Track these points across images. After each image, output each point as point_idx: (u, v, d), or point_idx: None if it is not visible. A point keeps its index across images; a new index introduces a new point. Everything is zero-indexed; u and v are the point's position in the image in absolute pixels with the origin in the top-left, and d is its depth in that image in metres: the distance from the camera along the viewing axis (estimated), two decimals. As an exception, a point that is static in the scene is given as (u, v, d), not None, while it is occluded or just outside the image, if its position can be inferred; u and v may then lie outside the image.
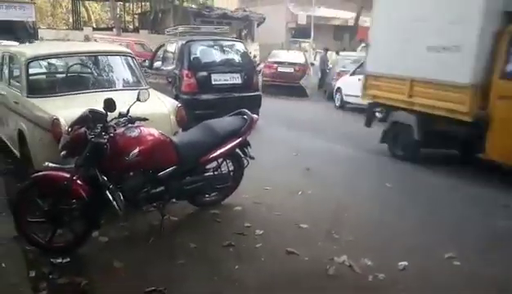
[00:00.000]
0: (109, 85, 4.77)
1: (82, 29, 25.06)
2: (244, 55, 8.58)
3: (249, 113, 4.03)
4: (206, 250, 3.32)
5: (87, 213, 3.24)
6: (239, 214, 4.03)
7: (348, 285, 2.88)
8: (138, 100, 3.38)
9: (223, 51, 8.37)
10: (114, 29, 24.22)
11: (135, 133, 3.31)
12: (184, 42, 7.99)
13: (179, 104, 4.52)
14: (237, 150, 3.99)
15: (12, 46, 6.50)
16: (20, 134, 4.28)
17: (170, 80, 7.82)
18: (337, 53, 17.62)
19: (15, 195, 3.35)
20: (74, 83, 4.69)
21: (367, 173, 5.55)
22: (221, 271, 3.02)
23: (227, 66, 7.96)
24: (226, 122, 3.96)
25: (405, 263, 3.09)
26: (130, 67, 4.91)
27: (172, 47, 8.36)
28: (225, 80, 7.69)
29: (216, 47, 8.36)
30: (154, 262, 3.14)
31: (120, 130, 3.28)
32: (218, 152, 3.75)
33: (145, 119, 3.44)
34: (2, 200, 3.94)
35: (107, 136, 3.17)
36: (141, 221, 3.75)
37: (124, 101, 3.38)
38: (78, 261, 3.15)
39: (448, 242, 3.48)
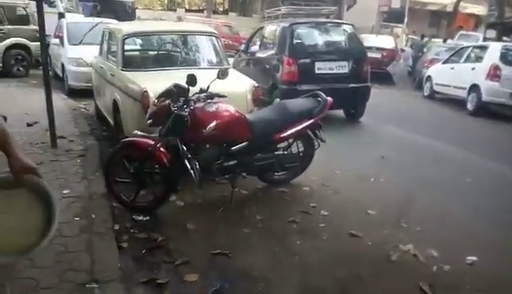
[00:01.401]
0: (194, 63, 5.06)
1: (175, 10, 26.40)
2: (354, 39, 7.61)
3: (323, 95, 4.04)
4: (271, 223, 3.47)
5: (167, 178, 3.54)
6: (306, 194, 4.11)
7: (410, 272, 2.84)
8: (218, 77, 3.57)
9: (330, 36, 7.60)
10: (205, 11, 25.15)
11: (213, 108, 3.53)
12: (287, 24, 7.27)
13: (256, 84, 4.65)
14: (309, 132, 4.04)
15: (112, 23, 7.10)
16: (115, 104, 4.73)
17: (268, 66, 7.23)
18: (422, 38, 16.48)
19: (107, 157, 3.77)
20: (162, 60, 5.07)
21: (445, 165, 5.27)
22: (283, 244, 3.15)
23: (334, 53, 7.14)
24: (300, 103, 4.02)
25: (474, 258, 2.96)
26: (214, 47, 5.15)
27: (273, 30, 7.71)
28: (330, 69, 6.89)
29: (322, 31, 7.56)
30: (222, 229, 3.36)
31: (200, 104, 3.52)
32: (290, 132, 3.84)
33: (223, 96, 3.63)
34: (96, 162, 4.42)
35: (188, 110, 3.42)
36: (214, 191, 3.98)
37: (205, 78, 3.60)
38: (156, 220, 3.48)
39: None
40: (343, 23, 8.34)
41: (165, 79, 4.16)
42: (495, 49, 9.34)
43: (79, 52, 7.97)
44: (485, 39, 16.08)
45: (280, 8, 11.79)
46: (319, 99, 3.98)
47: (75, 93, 8.06)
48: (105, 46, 5.61)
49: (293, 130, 3.82)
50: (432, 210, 3.85)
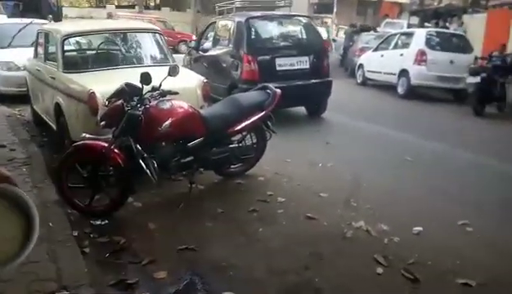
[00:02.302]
0: (138, 61, 4.99)
1: (104, 7, 25.38)
2: (313, 33, 7.28)
3: (273, 87, 4.19)
4: (232, 214, 3.57)
5: (123, 180, 3.51)
6: (262, 183, 4.26)
7: (364, 246, 3.08)
8: (169, 74, 3.58)
9: (288, 30, 7.19)
10: (137, 7, 24.43)
11: (167, 106, 3.55)
12: (243, 19, 6.71)
13: (205, 80, 4.71)
14: (261, 124, 4.18)
15: (45, 24, 6.76)
16: (57, 107, 4.56)
17: (224, 65, 6.74)
18: (352, 27, 16.97)
19: (58, 163, 3.65)
20: (106, 59, 4.95)
21: (385, 147, 5.68)
22: (245, 232, 3.28)
23: (294, 48, 6.76)
24: (251, 96, 4.15)
25: (419, 228, 3.29)
26: (158, 44, 5.10)
27: (227, 26, 7.15)
28: (291, 65, 6.50)
29: (280, 25, 7.14)
30: (185, 225, 3.40)
31: (154, 103, 3.52)
32: (243, 124, 3.96)
33: (175, 93, 3.65)
34: (42, 169, 4.25)
35: (142, 108, 3.41)
36: (171, 189, 4.00)
37: (154, 76, 3.59)
38: (116, 223, 3.45)
39: (463, 211, 3.63)
40: (300, 15, 7.95)
41: (111, 79, 4.13)
42: (420, 35, 10.06)
43: (9, 56, 7.49)
44: (409, 26, 17.19)
45: (233, 1, 11.19)
46: (268, 91, 4.13)
47: (7, 99, 7.57)
48: (41, 48, 5.35)
49: (246, 123, 3.94)
50: (378, 188, 4.16)
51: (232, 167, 4.29)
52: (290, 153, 5.03)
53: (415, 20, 18.32)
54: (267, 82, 5.66)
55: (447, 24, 14.38)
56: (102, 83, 4.09)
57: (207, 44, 7.72)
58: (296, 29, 7.18)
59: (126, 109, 3.38)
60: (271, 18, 7.29)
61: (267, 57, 6.40)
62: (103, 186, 3.53)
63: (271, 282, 2.67)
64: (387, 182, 4.34)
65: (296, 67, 6.55)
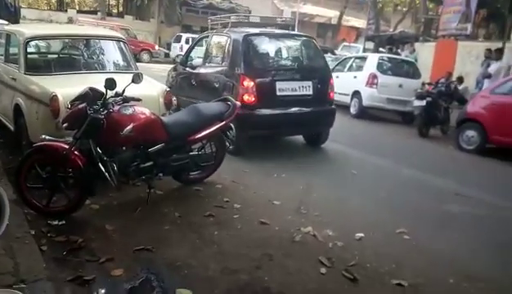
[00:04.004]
0: (102, 67, 5.06)
1: (66, 11, 24.82)
2: (317, 55, 6.54)
3: (233, 99, 4.42)
4: (189, 218, 3.72)
5: (82, 182, 3.58)
6: (219, 190, 4.44)
7: (311, 249, 3.34)
8: (133, 81, 3.71)
9: (290, 50, 6.47)
10: (99, 13, 24.09)
11: (129, 111, 3.67)
12: (240, 35, 5.95)
13: (167, 89, 4.86)
14: (221, 133, 4.37)
15: (4, 24, 6.66)
16: (17, 108, 4.55)
17: (217, 85, 5.95)
18: None
19: (17, 162, 3.67)
20: (69, 64, 5.01)
21: (334, 161, 6.05)
22: (202, 236, 3.44)
23: (296, 71, 6.06)
24: (212, 106, 4.35)
25: (361, 234, 3.60)
26: (122, 51, 5.22)
27: (222, 42, 6.37)
28: (293, 90, 5.79)
29: (282, 45, 6.37)
30: (142, 227, 3.51)
31: (116, 108, 3.63)
32: (203, 133, 4.13)
33: (138, 99, 3.79)
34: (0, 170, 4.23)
35: (104, 113, 3.52)
36: (130, 193, 4.08)
37: (117, 83, 3.71)
38: (73, 224, 3.50)
39: (402, 220, 3.98)
40: (304, 35, 7.14)
41: (73, 83, 4.21)
42: (372, 59, 10.70)
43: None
44: (364, 50, 18.13)
45: (228, 16, 10.24)
46: (229, 103, 4.35)
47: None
48: (1, 49, 5.31)
49: (206, 131, 4.12)
50: (326, 197, 4.48)
51: (191, 173, 4.44)
52: (248, 164, 5.27)
53: (370, 44, 19.34)
54: (267, 107, 5.57)
55: (399, 51, 15.29)
56: (64, 87, 4.15)
57: (196, 60, 7.02)
58: (298, 50, 6.50)
59: (88, 112, 3.47)
60: (271, 36, 6.49)
61: (267, 80, 5.69)
62: (62, 187, 3.58)
63: (224, 280, 2.84)
64: (334, 192, 4.67)
65: (298, 92, 5.84)
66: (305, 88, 5.88)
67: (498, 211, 4.57)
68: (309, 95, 5.91)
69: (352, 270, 3.03)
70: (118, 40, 5.28)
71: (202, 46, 7.26)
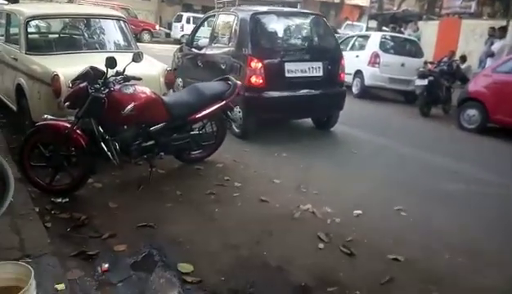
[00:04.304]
0: (102, 46, 5.07)
1: (65, -10, 24.47)
2: (328, 35, 6.28)
3: (233, 79, 4.43)
4: (190, 196, 3.79)
5: (85, 160, 3.64)
6: (220, 169, 4.50)
7: (310, 225, 3.41)
8: (134, 60, 3.72)
9: (300, 30, 6.17)
10: (99, -8, 23.74)
11: (130, 90, 3.69)
12: (247, 14, 5.68)
13: (168, 68, 4.87)
14: (222, 113, 4.40)
15: (4, 4, 6.63)
16: (19, 88, 4.58)
17: (224, 67, 5.75)
18: None
19: (21, 141, 3.72)
20: (69, 43, 5.02)
21: (335, 140, 6.08)
22: (203, 212, 3.51)
23: (306, 52, 5.80)
24: (213, 86, 4.36)
25: (359, 211, 3.67)
26: (122, 31, 5.21)
27: (229, 21, 6.11)
28: (302, 71, 5.57)
29: (291, 24, 6.07)
30: (145, 205, 3.59)
31: (117, 87, 3.65)
32: (204, 113, 4.16)
33: (139, 79, 3.80)
34: (3, 148, 4.29)
35: (106, 92, 3.55)
36: (132, 172, 4.15)
37: (118, 62, 3.73)
38: (76, 201, 3.58)
39: (400, 198, 4.04)
40: (314, 13, 6.78)
41: (74, 63, 4.23)
42: (375, 38, 10.61)
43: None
44: (367, 29, 17.92)
45: None
46: (229, 82, 4.36)
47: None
48: (2, 29, 5.30)
49: (207, 111, 4.15)
50: (325, 176, 4.54)
51: (192, 153, 4.49)
52: (248, 144, 5.31)
53: (373, 23, 19.10)
54: (275, 90, 5.36)
55: (402, 29, 15.12)
56: (66, 66, 4.17)
57: (203, 40, 6.80)
58: (308, 30, 6.20)
59: (90, 91, 3.50)
60: (279, 14, 6.16)
61: (275, 61, 5.48)
62: (65, 166, 3.64)
63: (225, 255, 2.92)
64: (334, 171, 4.73)
65: (308, 74, 5.63)
66: (315, 69, 5.67)
67: (494, 188, 4.63)
68: (319, 77, 5.71)
69: (350, 245, 3.10)
70: (118, 19, 5.27)
71: (208, 26, 7.02)
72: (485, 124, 7.32)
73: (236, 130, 5.52)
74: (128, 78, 3.73)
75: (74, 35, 5.21)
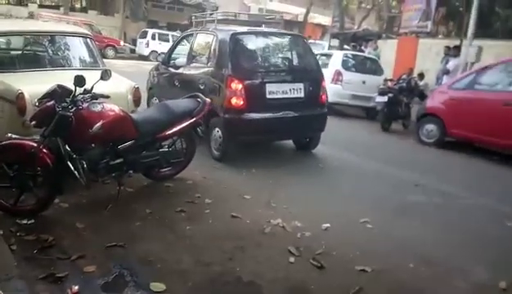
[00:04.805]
0: (68, 64, 4.99)
1: (26, 5, 23.91)
2: (309, 55, 6.17)
3: (203, 96, 4.49)
4: (161, 214, 3.76)
5: (51, 180, 3.56)
6: (190, 186, 4.51)
7: (280, 240, 3.48)
8: (102, 78, 3.70)
9: (280, 50, 6.05)
10: (62, 8, 23.38)
11: (98, 108, 3.66)
12: (228, 34, 5.54)
13: (136, 85, 4.86)
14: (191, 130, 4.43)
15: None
16: (-20, 106, 4.43)
17: (202, 87, 5.54)
18: None
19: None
20: (34, 61, 4.90)
21: (301, 156, 6.22)
22: (174, 231, 3.50)
23: (287, 73, 5.68)
24: (182, 103, 4.40)
25: (327, 225, 3.78)
26: (88, 48, 5.16)
27: (207, 40, 6.04)
28: (284, 92, 5.45)
29: (271, 44, 5.97)
30: (113, 224, 3.53)
31: (85, 105, 3.62)
32: (173, 130, 4.17)
33: (107, 97, 3.78)
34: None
35: (73, 110, 3.51)
36: (100, 191, 4.08)
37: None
38: (42, 223, 3.47)
39: (365, 210, 4.19)
40: (295, 34, 6.81)
41: (40, 80, 4.18)
42: (337, 57, 10.95)
43: None
44: (330, 47, 18.48)
45: (212, 12, 9.65)
46: (199, 100, 4.42)
47: None
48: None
49: (176, 128, 4.17)
50: (294, 191, 4.63)
51: (162, 170, 4.48)
52: (217, 160, 5.35)
53: (335, 42, 19.75)
54: (256, 111, 5.22)
55: (363, 48, 15.72)
56: (30, 84, 4.10)
57: (180, 59, 6.59)
58: (289, 50, 6.08)
59: (57, 109, 3.45)
60: (260, 34, 6.09)
61: (256, 82, 5.32)
62: (30, 186, 3.54)
63: (197, 272, 2.93)
64: (302, 186, 4.84)
65: (289, 95, 5.50)
66: (296, 91, 5.56)
67: (454, 199, 4.87)
68: (301, 98, 5.60)
69: (319, 258, 3.19)
70: (84, 36, 5.22)
71: (186, 44, 6.87)
72: (443, 138, 7.70)
73: (216, 152, 5.46)
74: (95, 96, 3.70)
75: (39, 52, 5.10)
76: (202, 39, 6.30)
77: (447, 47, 11.69)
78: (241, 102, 5.16)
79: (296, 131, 5.83)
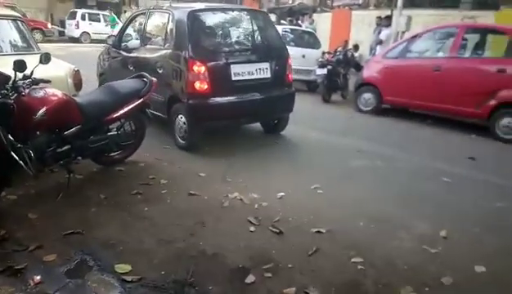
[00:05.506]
0: (0, 49, 4.68)
1: None
2: (273, 33, 5.84)
3: (149, 76, 4.41)
4: (116, 199, 3.72)
5: (-4, 172, 3.39)
6: (143, 169, 4.47)
7: (239, 212, 3.61)
8: (41, 62, 3.54)
9: (243, 28, 5.56)
10: (-25, -12, 21.25)
11: (41, 94, 3.50)
12: (185, 12, 5.10)
13: (76, 68, 4.68)
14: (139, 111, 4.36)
15: None
16: None
17: (160, 71, 5.20)
18: None
19: None
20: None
21: (255, 130, 6.35)
22: (132, 213, 3.49)
23: (252, 52, 5.33)
24: (128, 83, 4.29)
25: (282, 193, 3.96)
26: (20, 31, 4.86)
27: (162, 20, 5.57)
28: (249, 73, 5.15)
29: (233, 22, 5.54)
30: (68, 212, 3.45)
31: (26, 91, 3.44)
32: (121, 112, 4.08)
33: (48, 81, 3.61)
34: None
35: (14, 97, 3.33)
36: (48, 180, 3.96)
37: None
38: (-10, 217, 3.33)
39: (315, 178, 4.42)
40: (256, 10, 6.33)
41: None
42: (277, 31, 11.06)
43: None
44: (268, 22, 18.54)
45: None
46: (145, 79, 4.34)
47: None
48: None
49: (124, 110, 4.08)
50: (248, 165, 4.76)
51: (112, 154, 4.38)
52: (168, 140, 5.32)
53: (272, 17, 19.85)
54: (221, 95, 4.88)
55: (300, 22, 15.98)
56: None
57: (133, 42, 6.13)
58: (252, 27, 5.58)
59: (-4, 98, 3.26)
60: (220, 11, 5.60)
61: (220, 63, 4.96)
62: (-27, 180, 3.36)
63: (161, 251, 2.97)
64: (255, 160, 4.98)
65: (255, 76, 5.20)
66: (263, 71, 5.26)
67: (394, 162, 5.25)
68: (267, 79, 5.31)
69: (278, 225, 3.36)
70: (14, 19, 4.90)
71: (138, 25, 6.35)
72: (380, 106, 8.16)
73: (181, 141, 5.18)
74: (36, 81, 3.53)
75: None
76: (156, 19, 5.87)
77: (379, 18, 12.18)
78: (205, 86, 4.84)
79: (264, 113, 5.60)
